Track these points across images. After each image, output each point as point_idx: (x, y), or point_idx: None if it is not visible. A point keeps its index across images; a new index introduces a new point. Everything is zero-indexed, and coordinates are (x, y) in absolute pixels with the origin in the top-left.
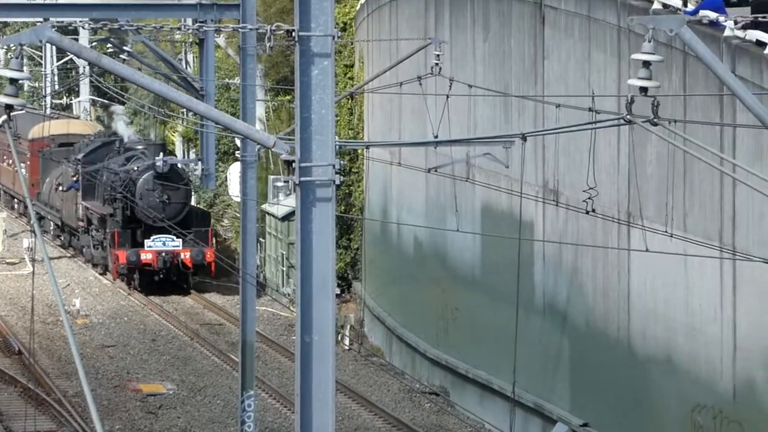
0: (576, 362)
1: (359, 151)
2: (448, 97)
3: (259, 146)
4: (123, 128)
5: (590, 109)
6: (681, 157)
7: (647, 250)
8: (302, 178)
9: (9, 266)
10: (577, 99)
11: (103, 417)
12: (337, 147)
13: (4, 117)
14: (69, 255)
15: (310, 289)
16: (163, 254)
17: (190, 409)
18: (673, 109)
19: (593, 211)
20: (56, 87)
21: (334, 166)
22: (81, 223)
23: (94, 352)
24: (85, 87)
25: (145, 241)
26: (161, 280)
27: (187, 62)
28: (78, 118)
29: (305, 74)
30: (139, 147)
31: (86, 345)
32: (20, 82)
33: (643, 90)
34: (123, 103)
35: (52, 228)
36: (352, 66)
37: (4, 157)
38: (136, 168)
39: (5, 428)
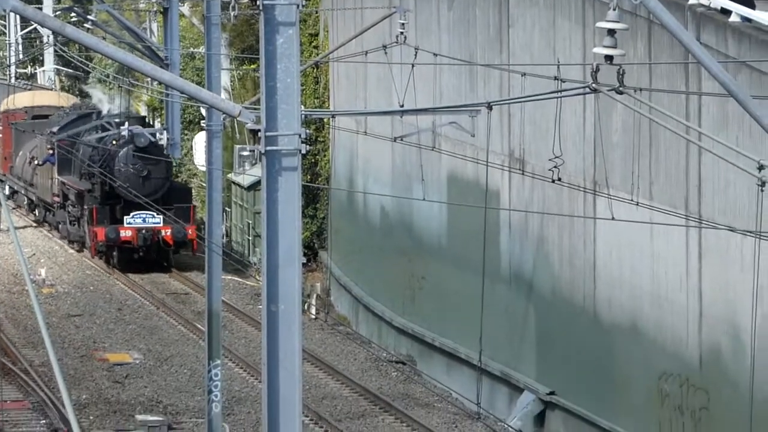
0: (542, 331)
1: (325, 120)
2: (413, 66)
3: (224, 115)
4: (101, 101)
5: (556, 78)
6: (647, 126)
7: (613, 219)
8: (268, 148)
9: None
10: (542, 67)
11: (69, 386)
12: (303, 116)
13: None
14: (35, 225)
15: (276, 259)
16: (144, 231)
17: (156, 379)
18: (638, 77)
19: (559, 179)
20: (20, 56)
21: (299, 135)
22: (56, 199)
23: (60, 322)
24: (49, 56)
25: (125, 217)
26: (141, 258)
27: (151, 31)
28: (52, 89)
29: (270, 43)
30: (117, 120)
31: (52, 314)
32: None
33: (609, 58)
34: (87, 73)
35: (26, 203)
36: (317, 35)
37: None
38: (114, 141)
39: None
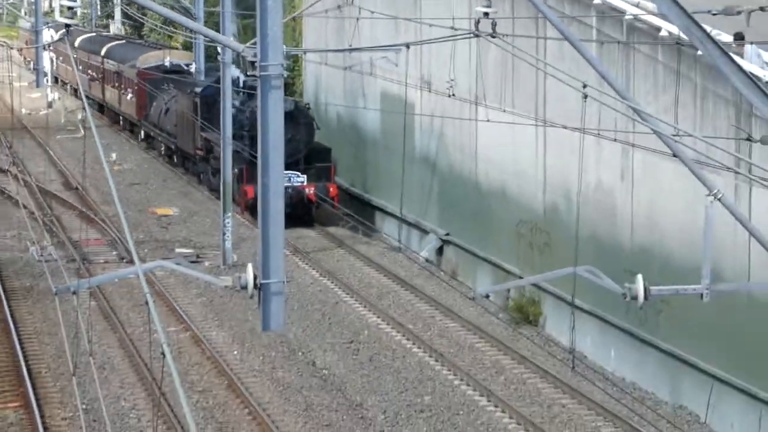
0: (442, 194)
1: (299, 55)
2: (357, 19)
3: (234, 51)
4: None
5: (452, 27)
6: (511, 60)
7: (489, 121)
8: (262, 73)
9: (68, 132)
10: (443, 20)
11: (131, 229)
12: (285, 52)
13: (63, 31)
14: (108, 124)
15: (268, 143)
16: (290, 190)
17: (189, 225)
18: (506, 26)
19: (453, 95)
20: (98, 12)
21: (282, 65)
22: (199, 152)
23: (125, 188)
24: (117, 12)
25: None
26: (288, 214)
27: None
28: (177, 48)
29: (263, 3)
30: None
31: (120, 183)
32: (74, 9)
33: (486, 14)
34: (143, 24)
35: (163, 149)
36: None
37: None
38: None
39: (68, 238)
